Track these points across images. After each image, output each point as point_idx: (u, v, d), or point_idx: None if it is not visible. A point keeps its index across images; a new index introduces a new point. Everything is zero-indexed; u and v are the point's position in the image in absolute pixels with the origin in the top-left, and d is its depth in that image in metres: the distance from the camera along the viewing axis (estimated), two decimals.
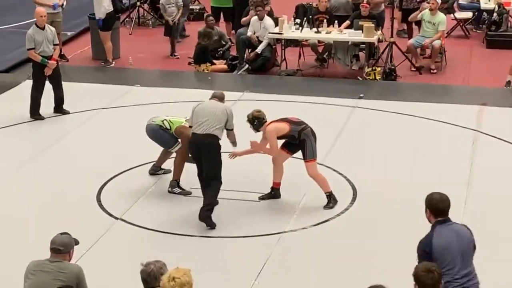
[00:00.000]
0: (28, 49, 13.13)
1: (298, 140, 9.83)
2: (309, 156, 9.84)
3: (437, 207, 6.45)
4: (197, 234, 9.47)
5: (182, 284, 5.60)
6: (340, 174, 10.93)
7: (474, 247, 6.50)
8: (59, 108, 13.46)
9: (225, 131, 9.74)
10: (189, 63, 16.42)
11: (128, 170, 11.20)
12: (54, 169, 11.51)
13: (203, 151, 9.51)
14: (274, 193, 10.29)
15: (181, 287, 5.60)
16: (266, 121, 9.94)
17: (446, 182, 10.56)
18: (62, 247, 6.58)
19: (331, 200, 10.03)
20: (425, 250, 6.39)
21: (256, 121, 9.93)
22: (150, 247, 9.02)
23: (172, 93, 14.40)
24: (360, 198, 10.30)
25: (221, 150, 9.61)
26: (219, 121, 9.52)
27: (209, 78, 15.68)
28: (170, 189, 10.47)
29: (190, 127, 9.73)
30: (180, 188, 10.44)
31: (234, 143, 10.03)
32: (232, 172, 10.67)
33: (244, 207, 10.18)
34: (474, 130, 12.57)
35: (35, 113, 13.20)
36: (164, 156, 10.94)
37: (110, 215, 9.96)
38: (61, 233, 6.70)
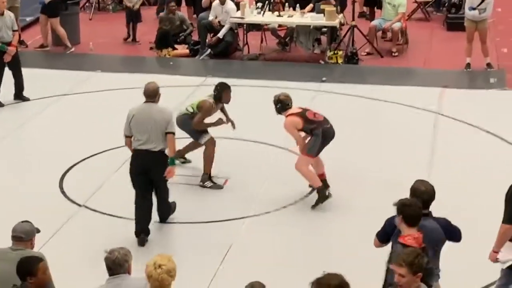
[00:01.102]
0: None
1: (310, 135, 9.74)
2: (306, 149, 9.72)
3: (421, 198, 6.45)
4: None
5: (168, 270, 5.67)
6: None
7: (453, 238, 6.57)
8: (19, 95, 13.31)
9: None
10: (151, 48, 16.33)
11: (90, 156, 11.12)
12: (15, 157, 11.39)
13: (153, 170, 8.83)
14: (324, 184, 9.90)
15: (168, 274, 5.66)
16: (290, 107, 9.75)
17: (408, 164, 10.67)
18: (24, 235, 6.52)
19: (319, 198, 9.68)
20: (387, 229, 6.55)
21: (280, 104, 9.78)
22: (114, 234, 8.96)
23: (134, 79, 14.27)
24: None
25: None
26: (162, 133, 8.74)
27: (171, 63, 15.61)
28: (201, 183, 10.18)
29: (128, 136, 8.93)
30: (212, 182, 10.20)
31: (172, 150, 8.92)
32: (195, 158, 10.66)
33: (208, 193, 10.16)
34: (435, 112, 12.68)
35: None
36: (193, 147, 10.54)
37: (73, 202, 9.89)
38: (22, 221, 6.64)
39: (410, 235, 6.18)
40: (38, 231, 6.68)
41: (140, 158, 8.86)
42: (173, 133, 8.82)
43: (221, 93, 10.16)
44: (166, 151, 8.87)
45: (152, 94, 8.88)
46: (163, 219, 9.32)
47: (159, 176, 8.89)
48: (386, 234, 6.59)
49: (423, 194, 6.47)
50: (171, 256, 5.76)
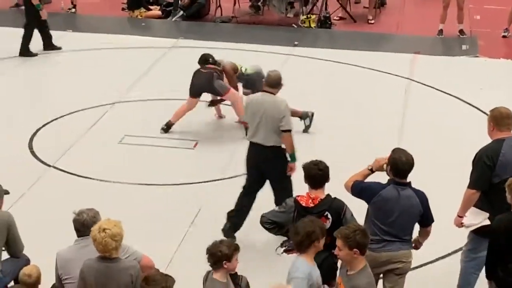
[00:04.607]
0: None
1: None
2: None
3: (400, 168, 6.38)
4: (130, 182, 9.41)
5: (113, 235, 5.59)
6: None
7: (425, 219, 6.51)
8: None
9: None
10: (123, 9, 16.18)
11: (61, 117, 11.05)
12: None
13: (264, 166, 8.05)
14: None
15: (112, 238, 5.59)
16: None
17: (379, 130, 10.72)
18: None
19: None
20: (371, 197, 6.42)
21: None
22: (83, 195, 8.93)
23: (106, 39, 14.19)
24: None
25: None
26: (274, 128, 7.87)
27: (143, 24, 15.50)
28: None
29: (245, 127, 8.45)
30: None
31: (289, 147, 7.98)
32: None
33: (179, 155, 10.15)
34: (407, 78, 12.71)
35: None
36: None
37: (43, 162, 9.84)
38: None
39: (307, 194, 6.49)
40: (6, 192, 6.64)
41: (251, 151, 8.14)
42: (289, 131, 7.90)
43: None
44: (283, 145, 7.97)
45: (271, 83, 8.00)
46: None
47: (272, 173, 8.03)
48: (367, 199, 6.47)
49: (404, 165, 6.37)
50: (119, 222, 5.70)
